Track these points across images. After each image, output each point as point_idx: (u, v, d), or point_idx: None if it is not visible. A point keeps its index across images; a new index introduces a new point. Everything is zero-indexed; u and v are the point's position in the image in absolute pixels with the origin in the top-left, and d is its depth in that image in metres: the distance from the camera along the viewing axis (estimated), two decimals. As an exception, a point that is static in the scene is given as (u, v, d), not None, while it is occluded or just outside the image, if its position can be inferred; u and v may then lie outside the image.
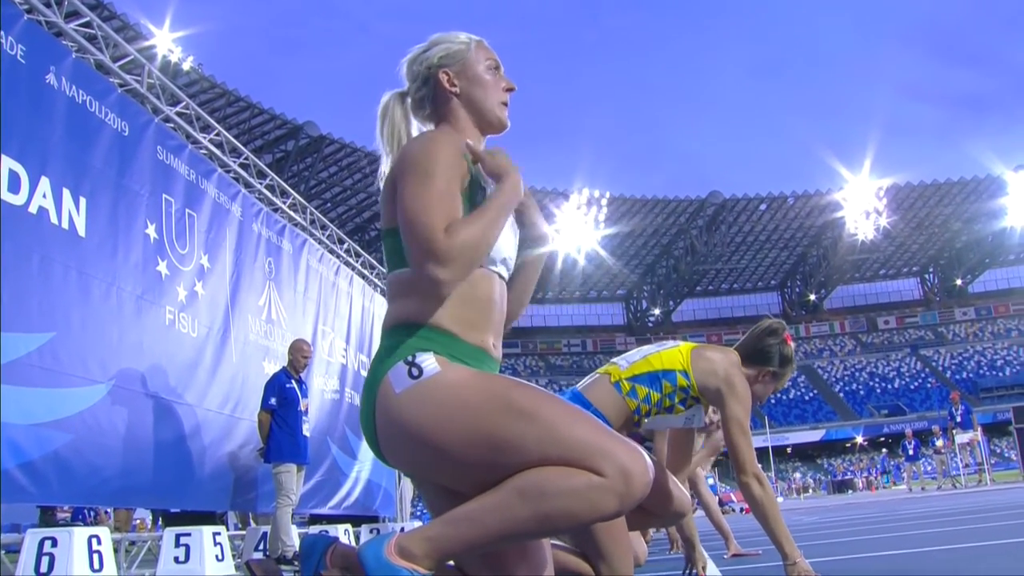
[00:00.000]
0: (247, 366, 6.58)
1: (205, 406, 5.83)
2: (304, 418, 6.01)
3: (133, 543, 6.43)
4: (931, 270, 56.86)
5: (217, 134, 7.04)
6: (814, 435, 46.99)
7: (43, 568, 3.95)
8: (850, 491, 31.28)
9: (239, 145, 7.41)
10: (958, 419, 14.68)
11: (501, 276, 1.57)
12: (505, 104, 1.66)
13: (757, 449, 2.60)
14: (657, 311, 55.52)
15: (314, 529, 8.05)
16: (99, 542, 4.20)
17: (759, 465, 2.49)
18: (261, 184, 7.73)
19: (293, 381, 6.05)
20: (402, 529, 4.82)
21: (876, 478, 33.29)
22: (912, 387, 49.81)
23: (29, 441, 4.01)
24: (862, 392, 50.50)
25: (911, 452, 17.33)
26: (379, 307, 10.32)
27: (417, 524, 7.50)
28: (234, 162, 7.24)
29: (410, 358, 1.42)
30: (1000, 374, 49.35)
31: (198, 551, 5.09)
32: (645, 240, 51.06)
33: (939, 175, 48.12)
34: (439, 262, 1.35)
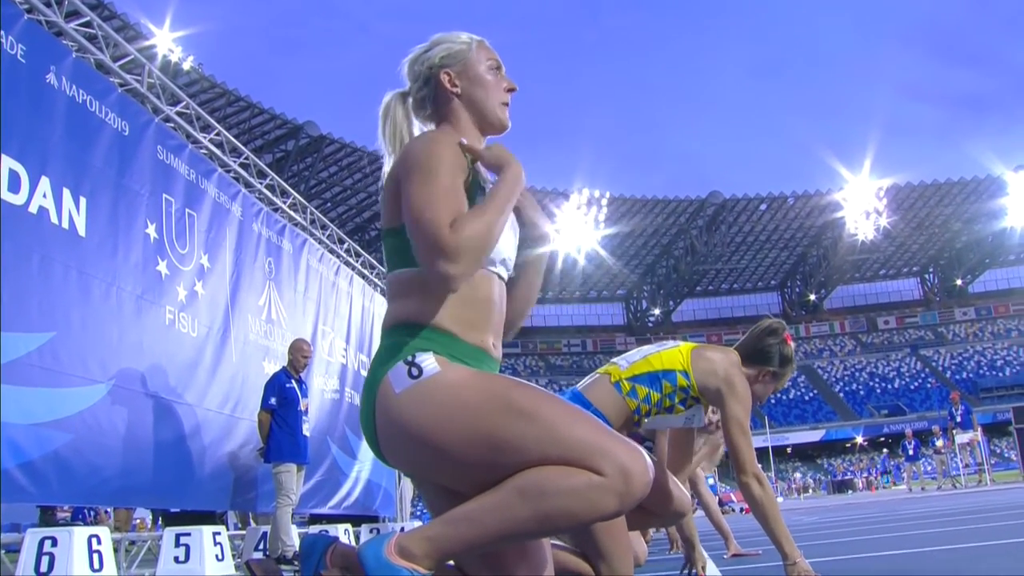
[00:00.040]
0: (247, 366, 6.58)
1: (205, 406, 5.83)
2: (304, 418, 6.01)
3: (133, 543, 6.43)
4: (931, 270, 56.86)
5: (217, 134, 7.04)
6: (814, 435, 46.99)
7: (43, 568, 3.95)
8: (850, 491, 31.28)
9: (239, 145, 7.41)
10: (958, 419, 14.67)
11: (501, 277, 1.57)
12: (506, 104, 1.66)
13: (757, 449, 2.60)
14: (657, 311, 55.52)
15: (314, 529, 8.05)
16: (99, 542, 4.20)
17: (759, 465, 2.49)
18: (261, 184, 7.73)
19: (293, 381, 6.05)
20: (402, 529, 4.81)
21: (876, 478, 33.31)
22: (912, 387, 49.81)
23: (29, 441, 4.01)
24: (862, 392, 50.50)
25: (911, 452, 17.32)
26: (379, 307, 10.32)
27: (417, 524, 7.50)
28: (234, 162, 7.24)
29: (410, 358, 1.42)
30: (1000, 374, 49.35)
31: (198, 551, 5.09)
32: (645, 240, 51.06)
33: (939, 175, 48.19)
34: (447, 257, 1.34)
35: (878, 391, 50.22)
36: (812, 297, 56.15)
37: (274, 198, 8.00)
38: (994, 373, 49.68)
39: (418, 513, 16.66)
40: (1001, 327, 54.12)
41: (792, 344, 2.66)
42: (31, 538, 4.06)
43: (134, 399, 4.96)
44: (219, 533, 5.40)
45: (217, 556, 5.22)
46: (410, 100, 1.69)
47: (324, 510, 8.09)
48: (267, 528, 6.14)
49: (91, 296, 4.67)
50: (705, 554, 3.19)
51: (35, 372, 4.10)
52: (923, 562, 2.94)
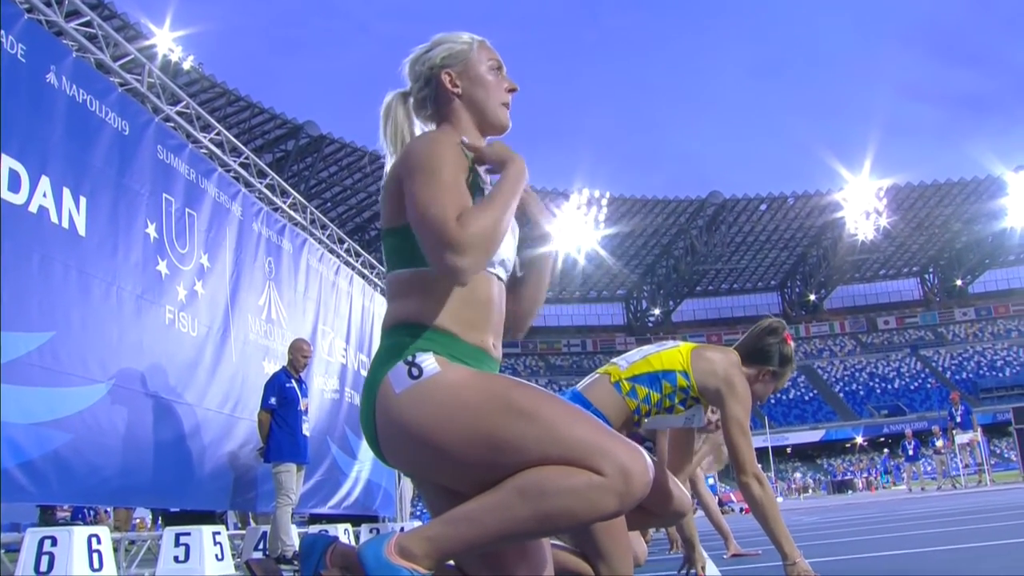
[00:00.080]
0: (247, 366, 6.58)
1: (205, 405, 5.83)
2: (304, 418, 6.01)
3: (133, 542, 6.43)
4: (931, 270, 56.86)
5: (217, 133, 7.04)
6: (814, 435, 46.99)
7: (43, 567, 3.95)
8: (850, 491, 31.28)
9: (239, 144, 7.41)
10: (958, 419, 14.67)
11: (499, 277, 1.57)
12: (507, 105, 1.66)
13: (757, 449, 2.60)
14: (657, 311, 55.52)
15: (314, 529, 8.05)
16: (99, 541, 4.20)
17: (759, 465, 2.49)
18: (261, 183, 7.73)
19: (293, 381, 6.05)
20: (402, 529, 4.81)
21: (876, 478, 33.30)
22: (912, 387, 49.81)
23: (29, 440, 4.01)
24: (862, 392, 50.50)
25: (911, 452, 17.32)
26: (379, 307, 10.32)
27: (417, 524, 7.49)
28: (234, 161, 7.24)
29: (410, 358, 1.42)
30: (1000, 375, 49.35)
31: (198, 550, 5.09)
32: (645, 240, 51.06)
33: (939, 175, 48.18)
34: (455, 251, 1.34)
35: (878, 391, 50.22)
36: (812, 297, 56.15)
37: (274, 198, 8.00)
38: (994, 373, 49.68)
39: (418, 513, 16.66)
40: (1001, 327, 54.13)
41: (792, 343, 2.66)
42: (31, 537, 4.06)
43: (134, 399, 4.96)
44: (219, 533, 5.40)
45: (217, 556, 5.22)
46: (411, 100, 1.68)
47: (324, 510, 8.09)
48: (267, 528, 6.14)
49: (91, 296, 4.67)
50: (705, 554, 3.19)
51: (35, 372, 4.10)
52: (923, 562, 2.94)
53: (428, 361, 1.42)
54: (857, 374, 52.55)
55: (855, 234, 48.71)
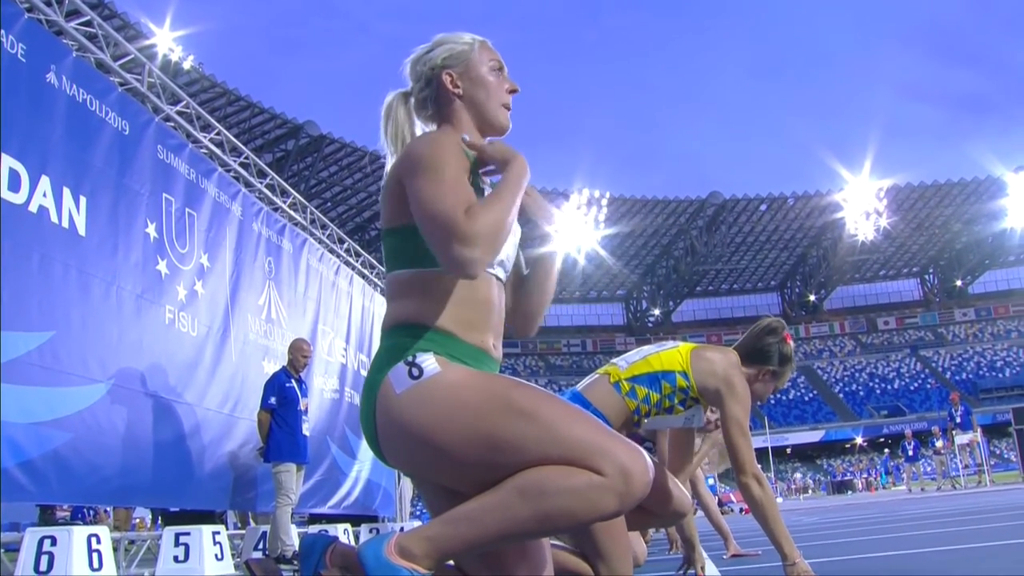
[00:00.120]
0: (247, 365, 6.58)
1: (205, 405, 5.83)
2: (304, 417, 6.02)
3: (132, 542, 6.43)
4: (931, 271, 56.86)
5: (217, 133, 7.04)
6: (814, 436, 46.99)
7: (42, 567, 3.95)
8: (849, 492, 31.29)
9: (239, 144, 7.41)
10: (958, 420, 14.67)
11: (499, 278, 1.57)
12: (507, 106, 1.66)
13: (757, 450, 2.60)
14: (657, 311, 55.52)
15: (313, 528, 8.05)
16: (98, 541, 4.20)
17: (758, 466, 2.49)
18: (261, 183, 7.73)
19: (293, 380, 6.05)
20: (401, 529, 4.81)
21: (876, 479, 33.30)
22: (912, 388, 49.81)
23: (29, 440, 4.01)
24: (862, 393, 50.50)
25: (911, 453, 17.33)
26: (379, 307, 10.32)
27: (417, 524, 7.50)
28: (234, 161, 7.24)
29: (410, 359, 1.42)
30: (1000, 375, 49.35)
31: (197, 550, 5.09)
32: (645, 240, 51.07)
33: (939, 176, 48.20)
34: (465, 243, 1.33)
35: (878, 392, 50.22)
36: (812, 298, 56.15)
37: (274, 198, 8.00)
38: (994, 374, 49.68)
39: (417, 513, 16.65)
40: (1001, 328, 54.12)
41: (791, 343, 2.66)
42: (30, 537, 4.06)
43: (134, 398, 4.96)
44: (218, 532, 5.40)
45: (216, 556, 5.22)
46: (412, 100, 1.68)
47: (324, 510, 8.09)
48: (266, 528, 6.14)
49: (91, 295, 4.67)
50: (704, 554, 3.19)
51: (35, 371, 4.10)
52: (923, 563, 2.94)
53: (428, 361, 1.42)
54: (857, 374, 52.55)
55: (855, 234, 48.71)
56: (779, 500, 25.23)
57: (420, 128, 1.69)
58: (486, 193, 1.52)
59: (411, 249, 1.49)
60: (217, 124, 7.09)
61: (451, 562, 1.50)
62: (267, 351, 7.02)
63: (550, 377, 51.42)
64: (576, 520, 1.31)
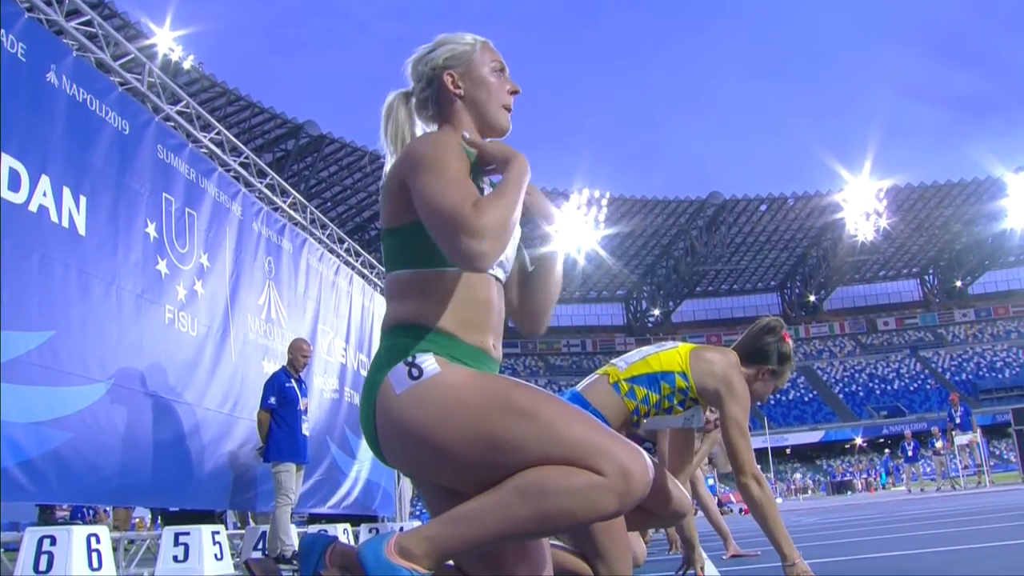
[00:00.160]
0: (246, 365, 6.58)
1: (204, 405, 5.83)
2: (303, 417, 6.01)
3: (132, 542, 6.43)
4: (931, 271, 56.87)
5: (217, 133, 7.04)
6: (813, 436, 47.00)
7: (42, 566, 3.95)
8: (849, 492, 31.29)
9: (239, 144, 7.41)
10: (957, 420, 14.66)
11: (498, 278, 1.57)
12: (508, 108, 1.65)
13: (756, 450, 2.60)
14: (657, 312, 55.52)
15: (313, 528, 8.05)
16: (98, 541, 4.20)
17: (758, 466, 2.49)
18: (261, 183, 7.73)
19: (293, 380, 6.05)
20: (401, 529, 4.81)
21: (876, 479, 33.30)
22: (911, 388, 49.82)
23: (28, 439, 4.01)
24: (861, 393, 50.50)
25: (910, 453, 17.33)
26: (379, 306, 10.32)
27: (416, 524, 7.50)
28: (234, 161, 7.24)
29: (410, 359, 1.42)
30: (999, 376, 49.35)
31: (197, 550, 5.09)
32: (645, 240, 51.07)
33: (939, 176, 48.31)
34: (474, 235, 1.32)
35: (877, 392, 50.22)
36: (812, 298, 56.16)
37: (274, 197, 8.00)
38: (993, 375, 49.68)
39: (417, 513, 16.65)
40: (1001, 329, 54.13)
41: (790, 342, 2.66)
42: (30, 537, 4.06)
43: (133, 398, 4.96)
44: (218, 532, 5.40)
45: (216, 555, 5.22)
46: (413, 100, 1.68)
47: (323, 510, 8.09)
48: (266, 527, 6.14)
49: (91, 295, 4.67)
50: (704, 555, 3.19)
51: (35, 371, 4.10)
52: (923, 563, 2.94)
53: (428, 362, 1.42)
54: (857, 375, 52.56)
55: (855, 235, 48.72)
56: (779, 500, 25.24)
57: (421, 128, 1.69)
58: (487, 193, 1.52)
59: (411, 249, 1.49)
60: (217, 124, 7.09)
61: (451, 562, 1.50)
62: (267, 351, 7.02)
63: (550, 377, 51.43)
64: (576, 520, 1.31)
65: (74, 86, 4.73)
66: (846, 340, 56.44)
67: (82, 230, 4.63)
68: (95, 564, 4.12)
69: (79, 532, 4.13)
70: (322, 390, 8.29)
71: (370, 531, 8.43)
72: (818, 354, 55.14)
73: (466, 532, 1.33)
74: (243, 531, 6.99)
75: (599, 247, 46.73)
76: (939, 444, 16.17)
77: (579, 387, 2.60)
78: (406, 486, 10.27)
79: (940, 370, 51.37)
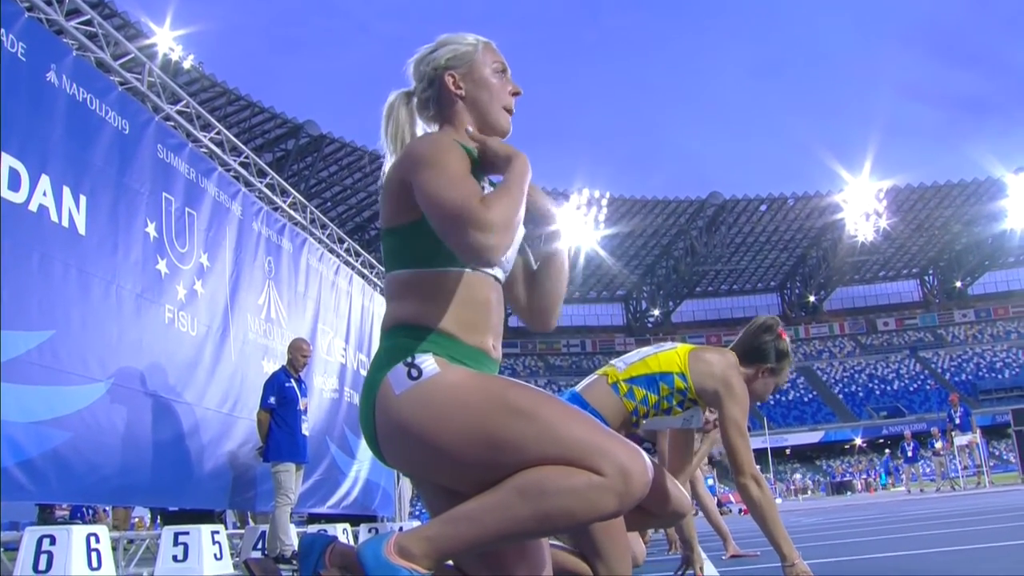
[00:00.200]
0: (246, 365, 6.58)
1: (204, 405, 5.83)
2: (303, 417, 6.01)
3: (131, 541, 6.43)
4: (931, 272, 56.87)
5: (217, 133, 7.04)
6: (813, 436, 47.00)
7: (41, 566, 3.95)
8: (849, 493, 31.29)
9: (239, 144, 7.41)
10: (957, 421, 14.67)
11: (497, 279, 1.57)
12: (509, 109, 1.65)
13: (756, 450, 2.60)
14: (657, 312, 55.52)
15: (312, 528, 8.05)
16: (97, 540, 4.20)
17: (757, 467, 2.49)
18: (261, 183, 7.73)
19: (292, 380, 6.05)
20: (400, 528, 4.81)
21: (876, 479, 33.31)
22: (911, 389, 49.82)
23: (28, 439, 4.01)
24: (861, 394, 50.51)
25: (910, 454, 17.33)
26: (379, 306, 10.32)
27: (416, 524, 7.50)
28: (234, 161, 7.24)
29: (409, 359, 1.42)
30: (999, 376, 49.35)
31: (196, 550, 5.09)
32: (645, 241, 51.07)
33: (939, 177, 48.22)
34: (483, 229, 1.31)
35: (877, 393, 50.23)
36: (812, 298, 56.16)
37: (274, 197, 8.00)
38: (993, 375, 49.69)
39: (416, 513, 16.65)
40: (1000, 329, 54.13)
41: (787, 338, 2.66)
42: (30, 536, 4.06)
43: (133, 398, 4.96)
44: (217, 532, 5.40)
45: (215, 555, 5.22)
46: (414, 100, 1.68)
47: (323, 509, 8.09)
48: (266, 527, 6.14)
49: (91, 294, 4.67)
50: (703, 555, 3.19)
51: (35, 370, 4.10)
52: (922, 563, 2.94)
53: (427, 362, 1.42)
54: (856, 375, 52.56)
55: (855, 235, 48.74)
56: (778, 501, 25.24)
57: (421, 128, 1.69)
58: (488, 191, 1.52)
59: (410, 249, 1.49)
60: (217, 123, 7.09)
61: (450, 562, 1.50)
62: (267, 350, 7.02)
63: (549, 377, 51.42)
64: (576, 520, 1.31)
65: (74, 85, 4.73)
66: (846, 340, 56.45)
67: (82, 229, 4.63)
68: (94, 564, 4.12)
69: (78, 532, 4.13)
70: (322, 390, 8.29)
71: (369, 531, 8.43)
72: (818, 354, 55.14)
73: (466, 532, 1.33)
74: (242, 531, 6.99)
75: (599, 247, 46.74)
76: (939, 445, 16.17)
77: (578, 388, 2.61)
78: (406, 486, 10.27)
79: (940, 371, 51.38)
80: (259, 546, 6.24)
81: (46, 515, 8.47)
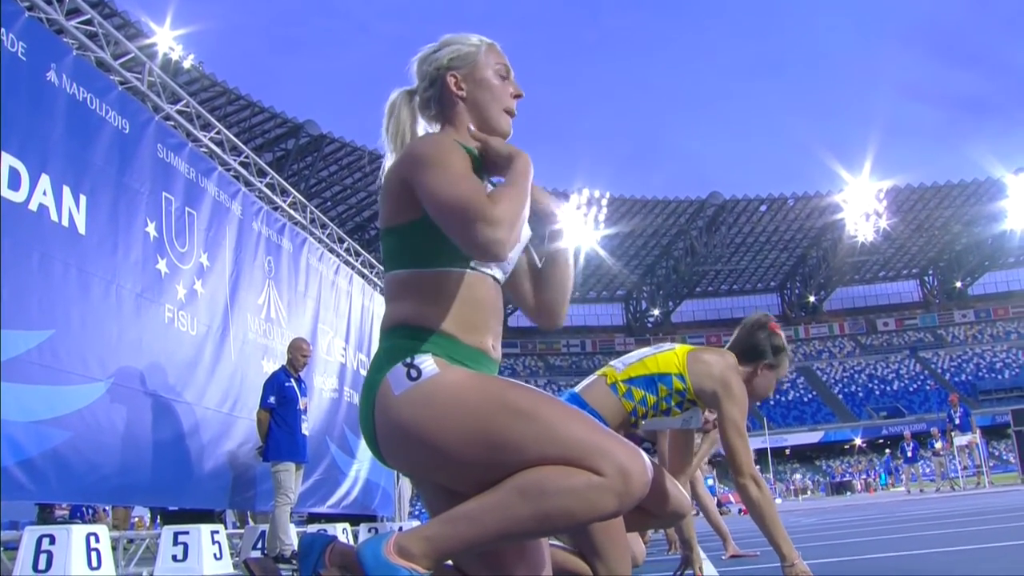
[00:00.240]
0: (246, 364, 6.58)
1: (204, 404, 5.83)
2: (303, 417, 6.01)
3: (131, 541, 6.44)
4: (931, 272, 56.88)
5: (217, 132, 7.04)
6: (813, 437, 47.00)
7: (41, 566, 3.95)
8: (848, 493, 31.30)
9: (239, 143, 7.41)
10: (957, 421, 14.67)
11: (496, 279, 1.57)
12: (511, 111, 1.65)
13: (756, 451, 2.61)
14: (656, 312, 55.52)
15: (312, 528, 8.06)
16: (97, 540, 4.20)
17: (756, 467, 2.49)
18: (261, 182, 7.73)
19: (292, 380, 6.05)
20: (400, 528, 4.81)
21: (875, 479, 33.31)
22: (911, 389, 49.82)
23: (28, 438, 4.01)
24: (861, 394, 50.51)
25: (909, 454, 17.34)
26: (379, 306, 10.32)
27: (415, 524, 7.50)
28: (234, 160, 7.24)
29: (409, 360, 1.42)
30: (999, 377, 49.36)
31: (196, 549, 5.09)
32: (645, 241, 51.07)
33: (939, 177, 48.20)
34: (491, 224, 1.31)
35: (877, 393, 50.23)
36: (812, 299, 56.16)
37: (274, 197, 8.00)
38: (993, 375, 49.69)
39: (416, 513, 16.66)
40: (1000, 329, 54.13)
41: (780, 332, 2.67)
42: (29, 536, 4.06)
43: (133, 397, 4.96)
44: (217, 532, 5.40)
45: (215, 555, 5.22)
46: (416, 99, 1.68)
47: (322, 509, 8.09)
48: (265, 527, 6.14)
49: (91, 294, 4.67)
50: (703, 555, 3.19)
51: (35, 370, 4.10)
52: (922, 564, 2.94)
53: (427, 363, 1.42)
54: (856, 376, 52.57)
55: (855, 236, 48.74)
56: (778, 501, 25.25)
57: (423, 128, 1.68)
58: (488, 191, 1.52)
59: (410, 249, 1.49)
60: (217, 123, 7.09)
61: (450, 562, 1.50)
62: (266, 350, 7.02)
63: (549, 377, 51.43)
64: (575, 520, 1.31)
65: (74, 85, 4.73)
66: (846, 341, 56.45)
67: (82, 229, 4.63)
68: (94, 563, 4.12)
69: (78, 531, 4.13)
70: (321, 390, 8.29)
71: (369, 531, 8.43)
72: (818, 355, 55.14)
73: (465, 532, 1.33)
74: (242, 530, 6.99)
75: (599, 247, 46.74)
76: (938, 445, 16.18)
77: (577, 388, 2.61)
78: (405, 486, 10.27)
79: (940, 371, 51.38)
80: (259, 546, 6.24)
81: (46, 515, 8.47)
